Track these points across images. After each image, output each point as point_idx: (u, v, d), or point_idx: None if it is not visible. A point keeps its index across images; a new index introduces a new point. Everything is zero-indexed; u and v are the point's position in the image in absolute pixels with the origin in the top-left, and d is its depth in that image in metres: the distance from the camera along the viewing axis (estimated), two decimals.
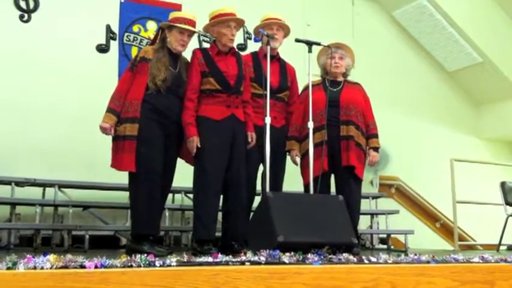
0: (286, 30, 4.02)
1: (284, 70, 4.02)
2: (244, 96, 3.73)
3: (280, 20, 3.97)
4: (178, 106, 3.55)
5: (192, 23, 3.59)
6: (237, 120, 3.64)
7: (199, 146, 3.50)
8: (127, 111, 3.45)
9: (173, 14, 3.67)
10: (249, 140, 3.70)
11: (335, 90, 4.00)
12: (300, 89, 4.12)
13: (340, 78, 4.09)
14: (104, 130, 3.44)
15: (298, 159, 3.99)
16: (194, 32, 3.67)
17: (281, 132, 3.91)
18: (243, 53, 4.11)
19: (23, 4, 5.32)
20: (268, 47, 3.64)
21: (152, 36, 4.18)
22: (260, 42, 4.04)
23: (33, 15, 5.35)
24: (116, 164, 3.46)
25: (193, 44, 5.81)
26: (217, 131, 3.55)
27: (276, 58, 3.96)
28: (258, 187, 3.91)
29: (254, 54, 4.06)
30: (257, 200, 3.95)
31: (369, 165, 4.04)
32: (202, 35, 6.04)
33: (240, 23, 3.74)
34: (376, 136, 4.04)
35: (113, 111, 3.45)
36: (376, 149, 4.02)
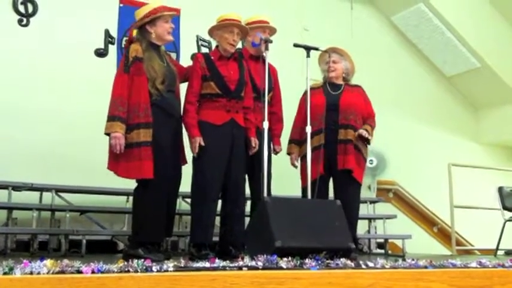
0: (273, 32, 4.05)
1: (268, 71, 4.03)
2: (246, 102, 3.72)
3: (269, 23, 4.00)
4: (177, 102, 3.56)
5: (167, 8, 3.53)
6: (237, 125, 3.64)
7: (202, 144, 3.50)
8: (137, 117, 3.30)
9: (142, 11, 3.49)
10: (253, 145, 3.70)
11: (335, 94, 4.01)
12: (300, 93, 4.14)
13: (340, 82, 4.10)
14: (118, 140, 3.22)
15: (297, 163, 4.01)
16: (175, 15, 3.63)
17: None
18: None
19: (21, 8, 5.32)
20: (267, 52, 3.66)
21: None
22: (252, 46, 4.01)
23: (31, 19, 5.34)
24: (132, 172, 3.28)
25: (193, 48, 5.86)
26: (217, 136, 3.55)
27: (260, 59, 3.96)
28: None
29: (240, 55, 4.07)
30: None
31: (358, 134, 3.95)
32: (200, 39, 6.05)
33: (243, 31, 3.75)
34: (371, 127, 3.98)
35: (121, 119, 3.26)
36: (367, 133, 3.93)
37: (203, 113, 3.62)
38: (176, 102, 3.55)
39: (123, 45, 5.60)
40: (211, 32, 3.78)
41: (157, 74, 3.39)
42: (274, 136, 4.04)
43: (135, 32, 3.61)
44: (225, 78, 3.61)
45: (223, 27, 3.69)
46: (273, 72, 4.08)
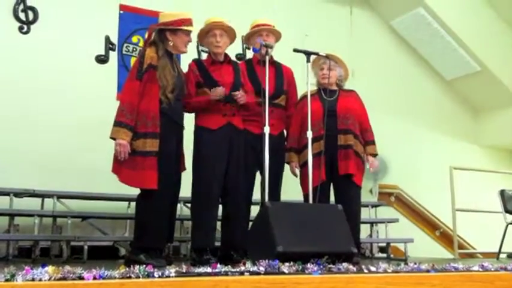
0: (277, 35, 4.04)
1: (280, 74, 4.02)
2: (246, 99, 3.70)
3: (270, 26, 4.00)
4: (182, 111, 3.58)
5: (191, 21, 3.54)
6: (234, 128, 3.65)
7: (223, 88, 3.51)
8: (145, 125, 3.28)
9: (169, 16, 3.48)
10: (236, 93, 3.60)
11: (331, 99, 4.01)
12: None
13: (334, 88, 4.10)
14: (123, 147, 3.22)
15: (297, 171, 4.00)
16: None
17: (279, 139, 3.92)
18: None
19: (22, 16, 5.34)
20: (267, 57, 3.66)
21: None
22: (253, 51, 4.00)
23: (32, 26, 5.37)
24: (135, 181, 3.28)
25: (193, 54, 5.87)
26: (214, 140, 3.56)
27: (270, 62, 3.93)
28: (256, 196, 3.90)
29: (248, 62, 4.09)
30: (254, 209, 3.95)
31: (371, 171, 4.02)
32: (201, 45, 6.06)
33: (226, 29, 3.72)
34: (373, 143, 4.04)
35: (128, 126, 3.23)
36: (374, 156, 4.03)
37: (199, 118, 3.65)
38: (182, 111, 3.57)
39: (123, 52, 5.63)
40: (200, 41, 3.84)
41: (168, 83, 3.40)
42: None
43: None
44: (218, 83, 3.63)
45: (205, 32, 3.73)
46: (287, 73, 4.09)
